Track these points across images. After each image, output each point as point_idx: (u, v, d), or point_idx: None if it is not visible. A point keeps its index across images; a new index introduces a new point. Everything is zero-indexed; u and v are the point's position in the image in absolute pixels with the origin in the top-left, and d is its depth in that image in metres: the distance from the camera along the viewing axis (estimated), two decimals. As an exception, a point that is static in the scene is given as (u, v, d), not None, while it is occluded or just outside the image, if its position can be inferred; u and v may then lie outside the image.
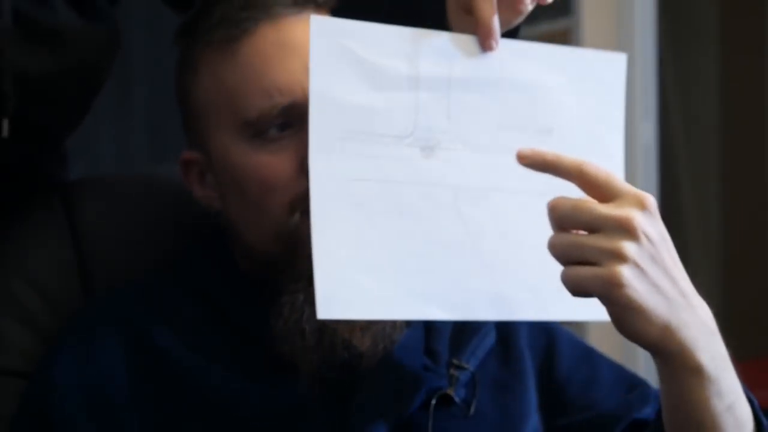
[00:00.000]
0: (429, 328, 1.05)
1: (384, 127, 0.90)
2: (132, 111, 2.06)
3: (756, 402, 0.92)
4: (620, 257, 0.80)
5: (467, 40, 0.92)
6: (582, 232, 0.83)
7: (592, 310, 0.88)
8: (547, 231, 0.88)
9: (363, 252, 0.89)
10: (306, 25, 1.00)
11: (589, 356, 1.12)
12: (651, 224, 0.82)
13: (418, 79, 0.91)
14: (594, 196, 0.83)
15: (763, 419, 0.91)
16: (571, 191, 0.88)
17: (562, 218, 0.83)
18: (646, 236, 0.81)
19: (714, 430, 0.87)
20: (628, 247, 0.80)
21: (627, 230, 0.80)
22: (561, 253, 0.83)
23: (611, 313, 0.82)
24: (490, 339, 1.07)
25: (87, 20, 1.08)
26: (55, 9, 1.05)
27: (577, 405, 1.08)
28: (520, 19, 0.96)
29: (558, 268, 0.84)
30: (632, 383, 1.10)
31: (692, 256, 3.57)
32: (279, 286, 0.99)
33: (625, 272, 0.80)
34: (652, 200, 0.83)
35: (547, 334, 1.11)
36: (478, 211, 0.92)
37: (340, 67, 0.89)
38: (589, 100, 0.96)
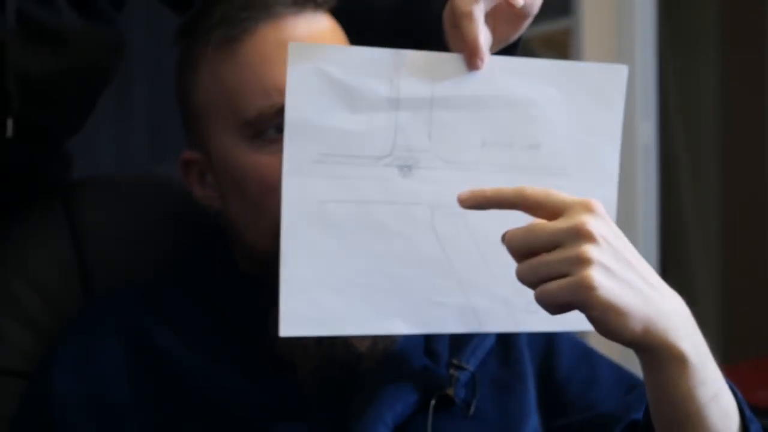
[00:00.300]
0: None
1: (361, 149, 0.91)
2: (132, 111, 2.06)
3: (739, 394, 0.92)
4: (586, 261, 0.81)
5: (453, 59, 0.92)
6: None
7: (568, 321, 0.89)
8: None
9: (331, 271, 0.91)
10: (306, 25, 1.00)
11: (589, 356, 1.12)
12: (604, 225, 0.83)
13: (399, 100, 0.91)
14: (543, 217, 0.85)
15: (747, 411, 0.91)
16: None
17: (519, 247, 0.84)
18: (603, 237, 0.82)
19: (700, 420, 0.87)
20: (590, 250, 0.81)
21: (584, 236, 0.82)
22: (530, 276, 0.83)
23: (591, 318, 0.82)
24: (490, 339, 1.07)
25: (89, 21, 1.08)
26: (58, 9, 1.05)
27: (577, 405, 1.08)
28: (519, 33, 0.96)
29: None
30: (632, 384, 1.10)
31: (692, 256, 3.57)
32: (278, 286, 0.99)
33: (595, 274, 0.81)
34: (597, 204, 0.84)
35: (546, 334, 1.11)
36: (454, 228, 0.93)
37: (318, 90, 0.90)
38: (583, 113, 0.96)
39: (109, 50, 1.12)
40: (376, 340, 1.00)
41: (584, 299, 0.81)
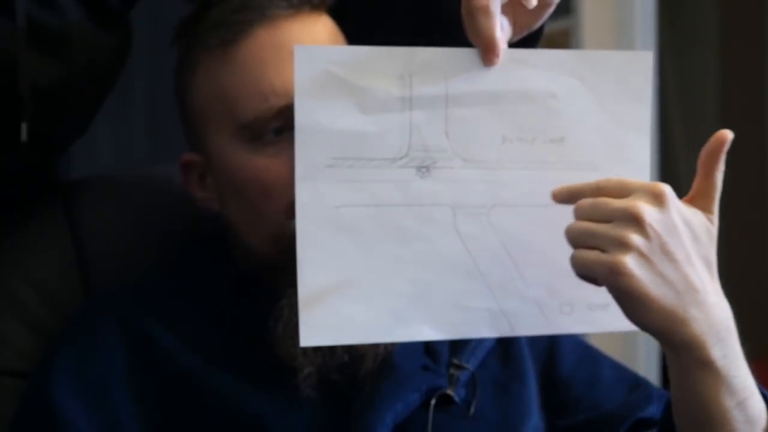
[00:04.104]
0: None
1: (375, 151, 0.89)
2: (132, 111, 2.05)
3: None
4: (625, 246, 0.82)
5: (468, 54, 0.90)
6: None
7: (602, 322, 0.89)
8: (551, 242, 0.87)
9: (350, 278, 0.89)
10: (302, 27, 1.00)
11: (591, 356, 1.12)
12: (662, 216, 0.83)
13: (412, 99, 0.89)
14: (618, 197, 0.85)
15: None
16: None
17: (583, 213, 0.86)
18: (654, 228, 0.83)
19: (723, 424, 0.87)
20: (634, 237, 0.82)
21: (633, 220, 0.83)
22: (574, 237, 0.85)
23: (615, 298, 0.84)
24: (491, 339, 1.07)
25: (99, 24, 1.08)
26: (61, 10, 1.04)
27: (581, 405, 1.08)
28: (540, 22, 0.93)
29: (562, 281, 0.86)
30: (634, 383, 1.10)
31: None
32: (278, 289, 0.99)
33: (629, 261, 0.82)
34: (666, 193, 0.84)
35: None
36: (479, 228, 0.90)
37: (327, 93, 0.88)
38: (608, 103, 0.93)
39: (115, 53, 1.11)
40: (374, 342, 1.00)
41: (611, 280, 0.83)
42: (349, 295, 0.89)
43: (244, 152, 1.01)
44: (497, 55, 0.88)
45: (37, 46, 1.03)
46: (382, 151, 0.89)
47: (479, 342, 1.06)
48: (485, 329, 0.92)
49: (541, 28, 0.95)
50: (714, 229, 0.87)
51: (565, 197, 0.88)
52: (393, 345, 1.02)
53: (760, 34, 3.44)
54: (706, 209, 0.87)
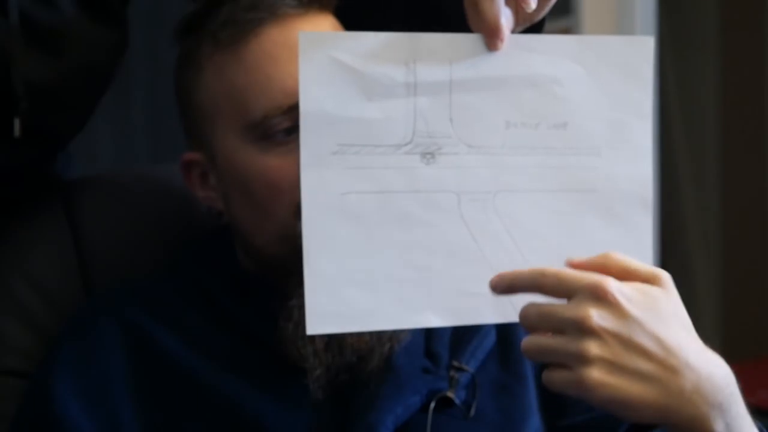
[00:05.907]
0: (429, 330, 1.04)
1: (380, 138, 0.89)
2: (132, 111, 2.06)
3: None
4: (585, 360, 0.79)
5: (472, 39, 0.90)
6: None
7: None
8: (556, 227, 0.88)
9: (356, 265, 0.89)
10: (311, 25, 1.00)
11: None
12: (614, 314, 0.80)
13: (416, 85, 0.89)
14: (557, 297, 0.83)
15: None
16: (587, 177, 0.89)
17: (532, 325, 0.83)
18: (609, 331, 0.79)
19: None
20: (590, 347, 0.79)
21: (585, 330, 0.79)
22: (534, 354, 0.83)
23: (602, 408, 0.81)
24: (490, 340, 1.07)
25: (95, 20, 1.08)
26: (59, 9, 1.04)
27: (579, 405, 1.07)
28: (543, 13, 0.93)
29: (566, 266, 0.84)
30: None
31: (692, 256, 3.57)
32: (286, 289, 0.99)
33: (595, 374, 0.79)
34: (608, 288, 0.80)
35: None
36: (483, 214, 0.90)
37: (331, 80, 0.88)
38: (610, 89, 0.93)
39: (111, 49, 1.11)
40: (382, 339, 1.00)
41: (586, 396, 0.80)
42: (355, 282, 0.89)
43: (252, 151, 1.00)
44: (501, 40, 0.89)
45: (32, 43, 1.03)
46: (387, 137, 0.89)
47: (479, 343, 1.06)
48: (490, 315, 0.92)
49: (542, 20, 0.96)
50: (669, 281, 0.83)
51: (504, 287, 0.86)
52: (397, 343, 1.02)
53: (760, 34, 3.44)
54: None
